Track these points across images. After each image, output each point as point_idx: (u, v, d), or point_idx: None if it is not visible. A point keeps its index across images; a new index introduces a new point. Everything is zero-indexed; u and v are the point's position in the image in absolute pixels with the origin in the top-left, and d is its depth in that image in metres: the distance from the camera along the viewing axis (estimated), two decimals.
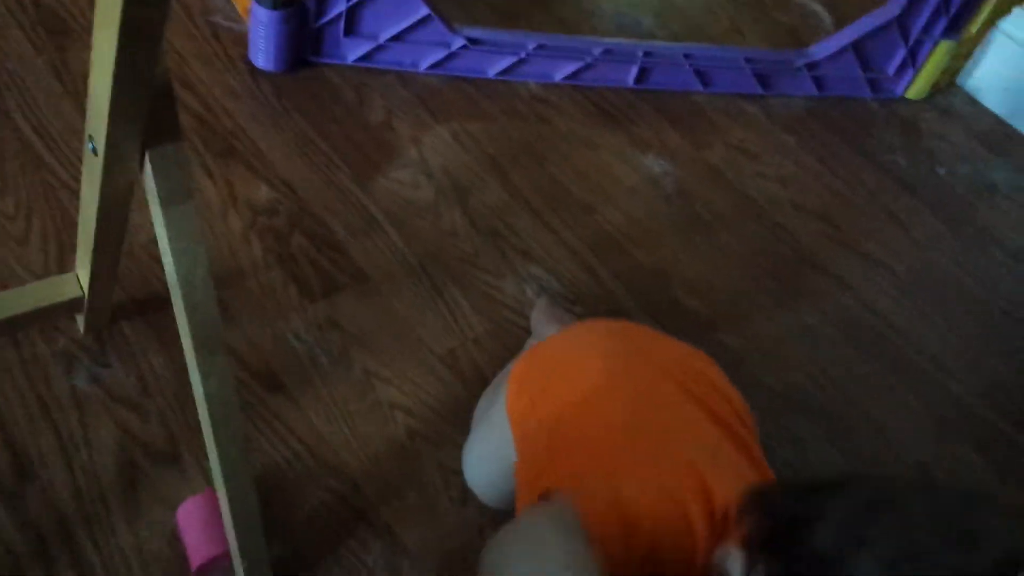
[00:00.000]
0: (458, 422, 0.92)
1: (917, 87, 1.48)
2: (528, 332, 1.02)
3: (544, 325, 0.98)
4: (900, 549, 0.46)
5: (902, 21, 1.38)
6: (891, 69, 1.45)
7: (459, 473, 0.88)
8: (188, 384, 0.69)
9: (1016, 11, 1.45)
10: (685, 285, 1.13)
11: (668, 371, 0.71)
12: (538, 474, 0.68)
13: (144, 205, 0.65)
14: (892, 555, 0.46)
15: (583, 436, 0.68)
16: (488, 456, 0.82)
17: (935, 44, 1.43)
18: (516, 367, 0.78)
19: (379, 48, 1.25)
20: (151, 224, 0.64)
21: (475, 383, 0.96)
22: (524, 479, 0.70)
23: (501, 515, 0.85)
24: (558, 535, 0.55)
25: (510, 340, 1.01)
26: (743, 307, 1.12)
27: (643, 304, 1.09)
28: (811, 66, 1.41)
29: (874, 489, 0.50)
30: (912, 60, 1.45)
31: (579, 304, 1.06)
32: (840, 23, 1.49)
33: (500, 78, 1.31)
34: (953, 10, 1.38)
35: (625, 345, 0.76)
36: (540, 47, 1.30)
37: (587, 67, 1.33)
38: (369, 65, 1.26)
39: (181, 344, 0.68)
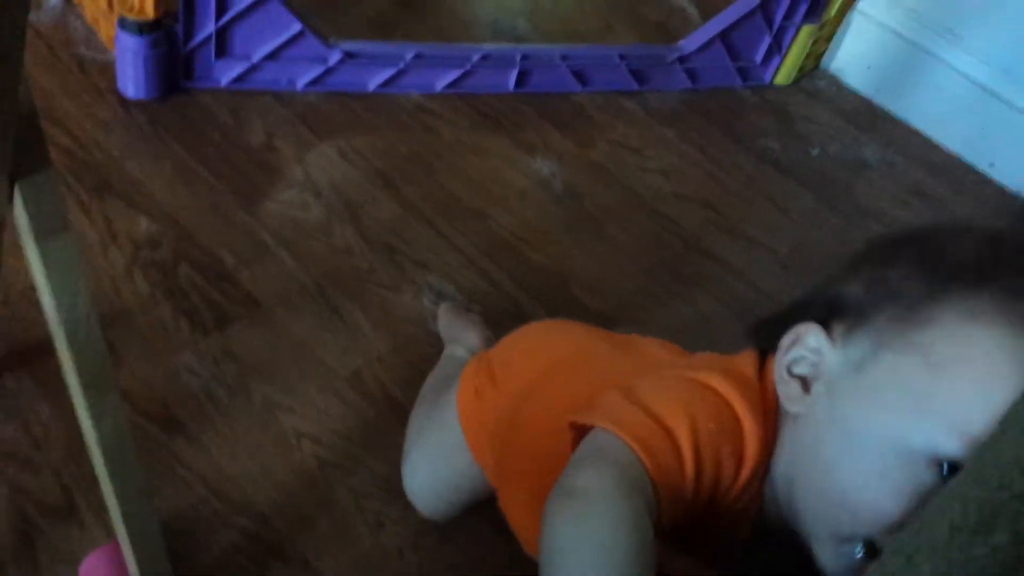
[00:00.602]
0: (369, 444, 0.91)
1: (784, 72, 1.54)
2: (432, 344, 1.01)
3: (453, 330, 0.98)
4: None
5: (765, 9, 1.43)
6: (758, 57, 1.51)
7: (374, 497, 0.87)
8: (80, 433, 0.66)
9: None
10: (582, 283, 1.14)
11: (621, 343, 0.71)
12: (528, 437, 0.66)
13: (18, 248, 0.62)
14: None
15: (570, 378, 0.66)
16: (435, 466, 0.81)
17: (797, 29, 1.48)
18: (465, 372, 0.78)
19: (253, 68, 1.23)
20: (27, 269, 0.61)
21: (383, 402, 0.95)
22: (506, 453, 0.69)
23: (420, 537, 0.85)
24: (624, 531, 0.45)
25: (414, 355, 1.00)
26: (640, 299, 1.14)
27: (543, 305, 1.10)
28: (683, 59, 1.45)
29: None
30: (777, 47, 1.50)
31: (482, 311, 1.06)
32: (707, 15, 1.53)
33: (381, 91, 1.30)
34: None
35: (575, 328, 0.77)
36: (418, 56, 1.29)
37: (467, 74, 1.33)
38: (244, 86, 1.24)
39: (69, 392, 0.65)
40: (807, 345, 0.54)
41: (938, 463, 0.47)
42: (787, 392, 0.54)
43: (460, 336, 0.96)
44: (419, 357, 1.00)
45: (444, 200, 1.19)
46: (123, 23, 1.12)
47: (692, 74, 1.47)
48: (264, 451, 0.89)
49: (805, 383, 0.53)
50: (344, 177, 1.18)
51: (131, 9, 1.12)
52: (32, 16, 1.25)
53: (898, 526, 0.47)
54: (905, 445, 0.48)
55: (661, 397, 0.53)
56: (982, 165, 1.48)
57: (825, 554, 0.51)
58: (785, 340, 0.55)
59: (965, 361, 0.48)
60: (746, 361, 0.57)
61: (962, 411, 0.47)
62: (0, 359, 0.88)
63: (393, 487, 0.87)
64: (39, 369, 0.88)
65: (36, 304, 0.72)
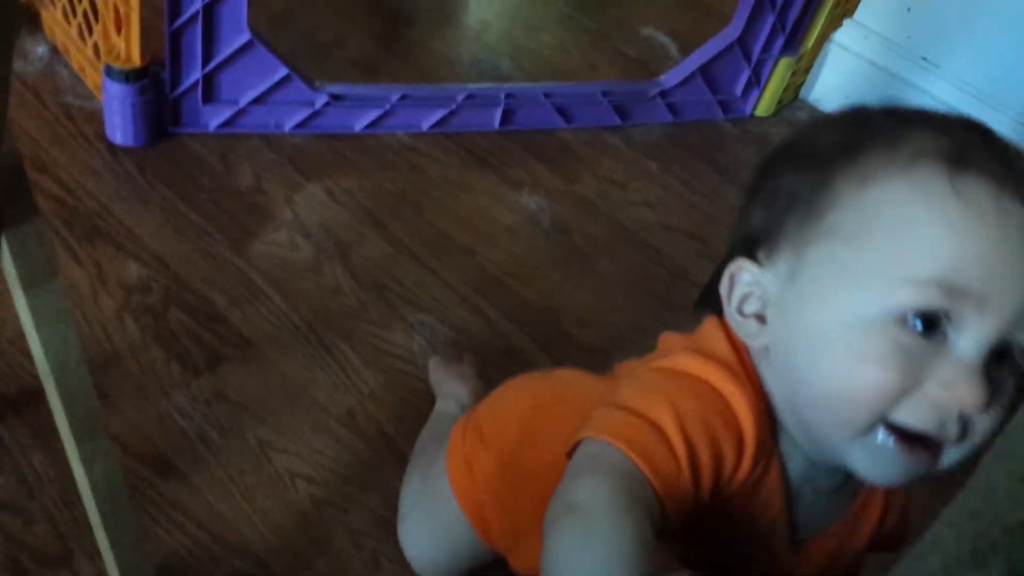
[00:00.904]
0: (363, 483, 0.91)
1: (764, 104, 1.56)
2: (423, 380, 1.01)
3: (444, 382, 0.97)
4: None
5: (743, 43, 1.46)
6: (738, 90, 1.53)
7: (371, 536, 0.86)
8: (73, 479, 0.66)
9: (847, 23, 1.55)
10: (573, 317, 1.15)
11: (603, 375, 0.71)
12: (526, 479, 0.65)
13: (7, 296, 0.62)
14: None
15: (561, 412, 0.66)
16: (434, 534, 0.80)
17: (776, 62, 1.51)
18: (452, 439, 0.77)
19: (240, 112, 1.24)
20: (17, 317, 0.61)
21: (376, 439, 0.95)
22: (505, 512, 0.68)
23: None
24: (628, 546, 0.44)
25: (406, 391, 1.00)
26: (631, 331, 1.15)
27: (535, 340, 1.10)
28: (664, 94, 1.47)
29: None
30: (756, 79, 1.52)
31: (472, 348, 1.06)
32: (686, 51, 1.56)
33: (368, 131, 1.31)
34: (788, 27, 1.47)
35: (555, 370, 0.77)
36: (404, 98, 1.31)
37: (452, 113, 1.35)
38: (232, 130, 1.25)
39: (62, 438, 0.64)
40: (744, 281, 0.55)
41: (903, 319, 0.47)
42: (747, 331, 0.54)
43: (451, 390, 0.96)
44: (411, 393, 1.00)
45: (433, 238, 1.20)
46: (109, 71, 1.13)
47: (674, 108, 1.49)
48: (259, 492, 0.88)
49: (759, 317, 0.54)
50: (333, 217, 1.18)
51: (117, 57, 1.13)
52: (19, 66, 1.26)
53: (903, 391, 0.47)
54: (862, 319, 0.48)
55: (640, 394, 0.53)
56: None
57: (859, 459, 0.50)
58: (723, 288, 0.56)
59: (875, 220, 0.49)
60: (710, 329, 0.57)
61: (894, 263, 0.48)
62: None
63: (390, 525, 0.87)
64: (32, 416, 0.88)
65: (27, 351, 0.72)
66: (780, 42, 1.48)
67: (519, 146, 1.38)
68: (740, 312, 0.55)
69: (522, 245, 1.23)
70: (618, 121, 1.46)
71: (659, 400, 0.52)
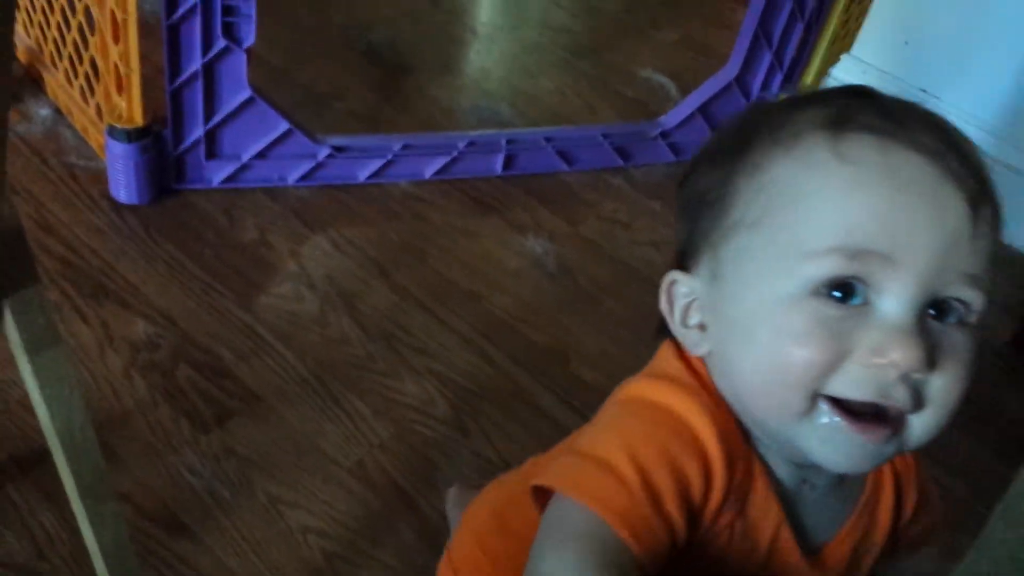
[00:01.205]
0: (375, 535, 0.89)
1: None
2: (433, 428, 1.00)
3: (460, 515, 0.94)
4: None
5: (741, 82, 1.47)
6: None
7: None
8: (83, 539, 0.65)
9: (845, 58, 1.56)
10: (581, 358, 1.14)
11: None
12: None
13: (13, 358, 0.62)
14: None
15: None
16: None
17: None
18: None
19: (244, 167, 1.25)
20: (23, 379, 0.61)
21: (387, 490, 0.94)
22: None
23: None
24: None
25: (416, 441, 0.99)
26: (640, 371, 1.14)
27: (543, 383, 1.09)
28: (665, 134, 1.47)
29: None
30: None
31: (481, 393, 1.06)
32: (685, 90, 1.57)
33: (371, 181, 1.32)
34: (786, 65, 1.48)
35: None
36: (406, 147, 1.32)
37: (455, 160, 1.35)
38: (236, 185, 1.25)
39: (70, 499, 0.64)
40: (681, 293, 0.54)
41: (819, 292, 0.46)
42: (691, 342, 0.54)
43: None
44: (422, 442, 0.99)
45: (439, 284, 1.19)
46: (112, 131, 1.14)
47: (675, 148, 1.50)
48: (270, 548, 0.87)
49: (702, 326, 0.53)
50: (338, 267, 1.19)
51: (120, 117, 1.14)
52: (23, 128, 1.27)
53: (831, 362, 0.46)
54: (780, 299, 0.47)
55: (595, 436, 0.52)
56: None
57: (812, 444, 0.48)
58: (662, 305, 0.55)
59: (771, 201, 0.49)
60: (663, 350, 0.57)
61: (795, 240, 0.47)
62: (1, 470, 0.88)
63: None
64: (41, 477, 0.87)
65: (35, 412, 0.72)
66: (778, 79, 1.49)
67: (522, 190, 1.38)
68: (684, 324, 0.54)
69: (528, 289, 1.22)
70: (620, 162, 1.46)
71: (610, 437, 0.50)
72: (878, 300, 0.46)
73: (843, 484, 0.56)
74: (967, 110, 1.47)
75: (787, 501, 0.54)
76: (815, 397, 0.47)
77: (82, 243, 1.13)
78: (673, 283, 0.55)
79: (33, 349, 0.60)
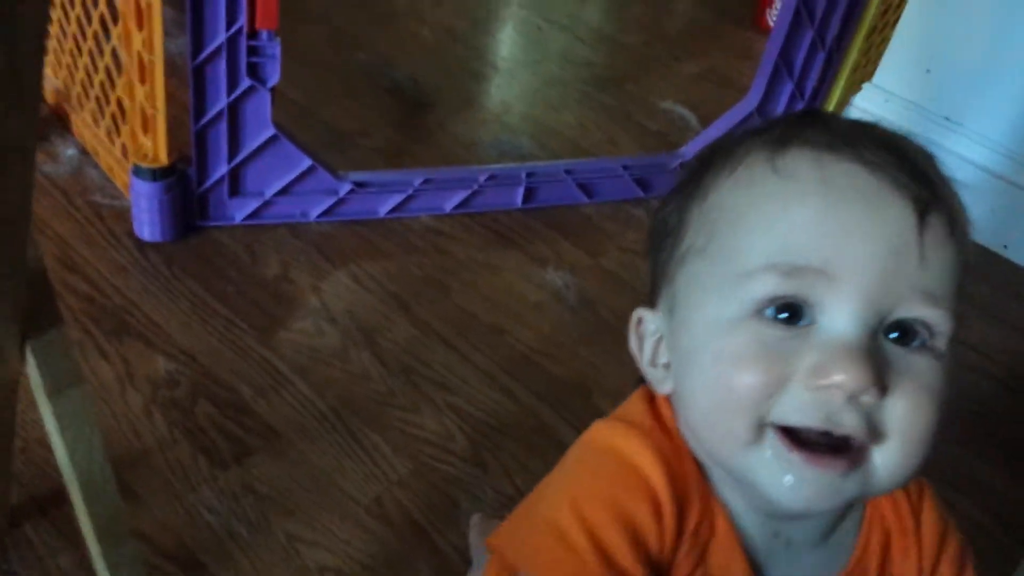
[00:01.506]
0: (394, 574, 0.88)
1: None
2: (453, 465, 0.99)
3: (482, 545, 0.94)
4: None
5: (761, 112, 1.46)
6: None
7: None
8: None
9: (866, 87, 1.55)
10: (604, 392, 1.13)
11: None
12: None
13: (33, 397, 0.63)
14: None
15: None
16: None
17: None
18: None
19: (266, 204, 1.26)
20: (43, 418, 0.61)
21: (405, 527, 0.93)
22: None
23: None
24: None
25: (436, 477, 0.98)
26: None
27: (565, 417, 1.08)
28: (685, 166, 1.47)
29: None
30: None
31: (501, 429, 1.05)
32: (705, 121, 1.57)
33: (392, 216, 1.33)
34: (807, 95, 1.47)
35: None
36: (427, 181, 1.32)
37: (475, 194, 1.36)
38: (258, 222, 1.26)
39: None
40: (649, 331, 0.52)
41: (760, 313, 0.44)
42: (656, 379, 0.52)
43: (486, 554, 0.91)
44: (441, 479, 0.98)
45: (460, 319, 1.19)
46: (137, 170, 1.16)
47: None
48: None
49: (667, 365, 0.51)
50: (359, 302, 1.19)
51: (145, 156, 1.16)
52: (49, 168, 1.29)
53: (773, 385, 0.43)
54: (723, 323, 0.45)
55: (549, 492, 0.51)
56: (996, 247, 1.48)
57: (763, 477, 0.45)
58: (631, 344, 0.53)
59: (715, 226, 0.48)
60: (635, 393, 0.54)
61: (735, 260, 0.46)
62: (19, 508, 0.88)
63: None
64: (58, 517, 0.88)
65: (54, 452, 0.72)
66: (799, 108, 1.48)
67: (542, 223, 1.38)
68: (653, 364, 0.52)
69: (549, 322, 1.22)
70: (641, 193, 1.46)
71: (560, 496, 0.49)
72: (822, 319, 0.44)
73: (828, 542, 0.52)
74: (991, 137, 1.45)
75: (757, 556, 0.50)
76: (762, 426, 0.44)
77: (106, 281, 1.15)
78: (640, 321, 0.53)
79: (54, 391, 0.60)
